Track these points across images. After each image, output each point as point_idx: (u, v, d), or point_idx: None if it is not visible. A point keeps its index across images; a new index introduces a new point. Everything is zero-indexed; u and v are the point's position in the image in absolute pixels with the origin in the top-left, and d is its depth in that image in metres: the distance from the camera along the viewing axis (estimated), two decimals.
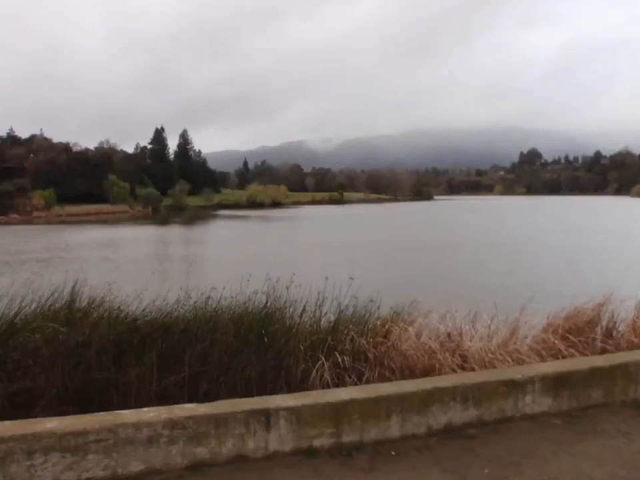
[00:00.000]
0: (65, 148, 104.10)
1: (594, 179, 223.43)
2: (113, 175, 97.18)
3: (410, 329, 5.42)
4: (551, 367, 4.97)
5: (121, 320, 5.20)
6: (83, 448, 3.39)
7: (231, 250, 34.22)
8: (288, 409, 3.86)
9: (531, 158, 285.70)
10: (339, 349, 5.09)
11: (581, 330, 5.87)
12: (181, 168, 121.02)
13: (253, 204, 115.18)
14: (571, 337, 5.67)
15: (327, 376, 4.79)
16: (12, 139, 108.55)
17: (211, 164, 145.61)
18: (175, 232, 57.77)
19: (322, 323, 5.57)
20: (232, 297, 5.59)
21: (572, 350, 5.53)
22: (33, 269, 23.25)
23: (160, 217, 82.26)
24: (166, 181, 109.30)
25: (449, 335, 5.40)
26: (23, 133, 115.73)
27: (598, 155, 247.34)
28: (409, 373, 5.06)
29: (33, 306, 5.19)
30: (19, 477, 3.27)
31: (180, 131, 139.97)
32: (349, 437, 3.99)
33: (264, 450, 3.80)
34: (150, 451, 3.54)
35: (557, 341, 5.56)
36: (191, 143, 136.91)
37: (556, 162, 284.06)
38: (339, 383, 4.82)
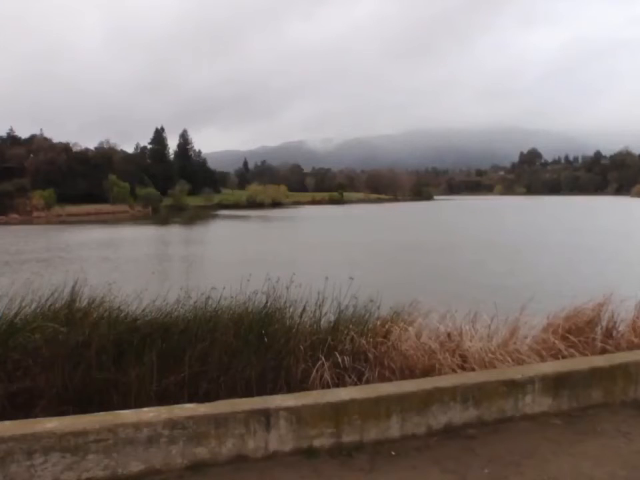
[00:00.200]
0: (65, 148, 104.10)
1: (594, 178, 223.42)
2: (113, 175, 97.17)
3: (410, 328, 5.42)
4: (550, 366, 4.97)
5: (121, 320, 5.20)
6: (83, 448, 3.39)
7: (231, 250, 34.22)
8: (288, 409, 3.86)
9: (531, 158, 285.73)
10: (339, 349, 5.09)
11: (580, 330, 5.87)
12: (181, 168, 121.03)
13: (253, 204, 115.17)
14: (571, 337, 5.67)
15: (326, 376, 4.79)
16: (12, 139, 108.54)
17: (211, 164, 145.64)
18: (174, 232, 57.77)
19: (322, 323, 5.57)
20: (232, 297, 5.59)
21: (572, 350, 5.53)
22: (33, 269, 23.25)
23: (160, 217, 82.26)
24: (166, 181, 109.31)
25: (448, 334, 5.40)
26: (23, 133, 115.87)
27: (598, 155, 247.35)
28: (408, 372, 5.06)
29: (33, 306, 5.18)
30: (19, 476, 3.27)
31: (180, 131, 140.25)
32: (349, 437, 3.99)
33: (264, 450, 3.80)
34: (150, 451, 3.54)
35: (556, 341, 5.56)
36: (191, 143, 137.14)
37: (556, 162, 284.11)
38: (339, 382, 4.82)
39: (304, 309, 5.59)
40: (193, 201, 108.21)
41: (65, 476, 3.36)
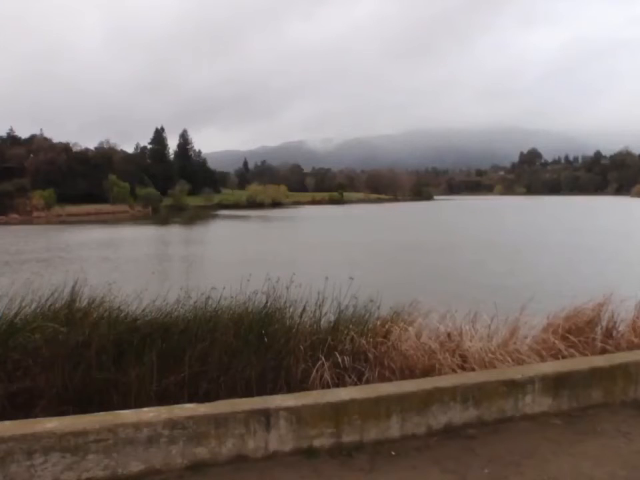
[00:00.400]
0: (65, 148, 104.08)
1: (594, 178, 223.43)
2: (113, 175, 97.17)
3: (410, 328, 5.42)
4: (550, 366, 4.97)
5: (121, 320, 5.20)
6: (83, 448, 3.39)
7: (231, 250, 34.22)
8: (288, 409, 3.86)
9: (531, 158, 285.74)
10: (339, 349, 5.09)
11: (580, 330, 5.87)
12: (180, 168, 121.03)
13: (253, 204, 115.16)
14: (571, 337, 5.67)
15: (326, 376, 4.79)
16: (12, 139, 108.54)
17: (211, 164, 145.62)
18: (174, 232, 57.76)
19: (322, 323, 5.57)
20: (232, 297, 5.59)
21: (572, 350, 5.53)
22: (33, 269, 23.24)
23: (160, 217, 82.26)
24: (166, 181, 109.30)
25: (449, 335, 5.40)
26: (23, 133, 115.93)
27: (598, 155, 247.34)
28: (408, 373, 5.06)
29: (33, 306, 5.18)
30: (19, 476, 3.27)
31: (180, 131, 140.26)
32: (348, 437, 3.99)
33: (264, 450, 3.80)
34: (150, 451, 3.54)
35: (557, 341, 5.56)
36: (191, 143, 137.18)
37: (556, 162, 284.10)
38: (339, 383, 4.82)
39: (304, 309, 5.59)
40: (193, 201, 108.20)
41: (65, 476, 3.36)
